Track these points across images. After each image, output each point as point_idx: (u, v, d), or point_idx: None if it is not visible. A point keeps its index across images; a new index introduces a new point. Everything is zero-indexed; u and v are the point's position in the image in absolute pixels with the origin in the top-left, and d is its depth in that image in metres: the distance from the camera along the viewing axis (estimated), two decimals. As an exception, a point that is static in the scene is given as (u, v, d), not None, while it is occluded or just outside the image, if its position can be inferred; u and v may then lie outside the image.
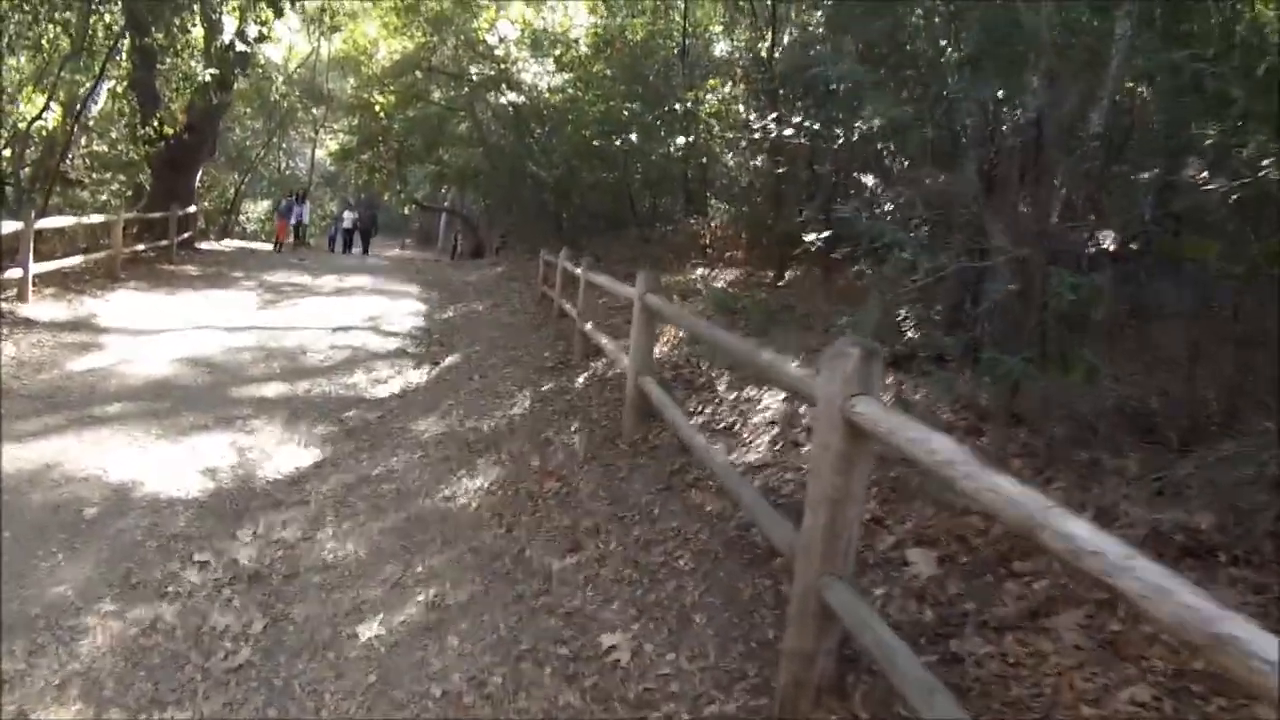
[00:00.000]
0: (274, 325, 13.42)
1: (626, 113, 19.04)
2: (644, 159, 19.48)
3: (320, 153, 44.44)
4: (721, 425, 6.79)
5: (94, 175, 24.25)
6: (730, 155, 19.17)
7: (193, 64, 20.68)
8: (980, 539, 4.36)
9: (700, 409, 7.29)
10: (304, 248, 32.26)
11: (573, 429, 8.06)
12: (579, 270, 11.81)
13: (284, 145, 42.33)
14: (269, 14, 20.33)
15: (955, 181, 5.29)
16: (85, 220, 16.75)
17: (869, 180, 9.85)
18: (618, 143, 18.69)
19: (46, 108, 18.97)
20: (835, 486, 3.22)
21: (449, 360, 12.15)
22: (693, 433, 5.62)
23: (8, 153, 18.44)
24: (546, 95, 25.69)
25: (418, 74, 29.55)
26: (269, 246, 29.71)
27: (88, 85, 20.19)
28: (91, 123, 23.42)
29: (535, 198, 24.97)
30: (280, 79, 32.65)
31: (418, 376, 11.12)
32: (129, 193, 23.80)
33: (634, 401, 7.18)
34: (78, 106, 20.62)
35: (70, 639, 4.25)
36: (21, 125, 18.48)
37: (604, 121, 19.55)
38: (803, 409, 6.53)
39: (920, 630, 3.75)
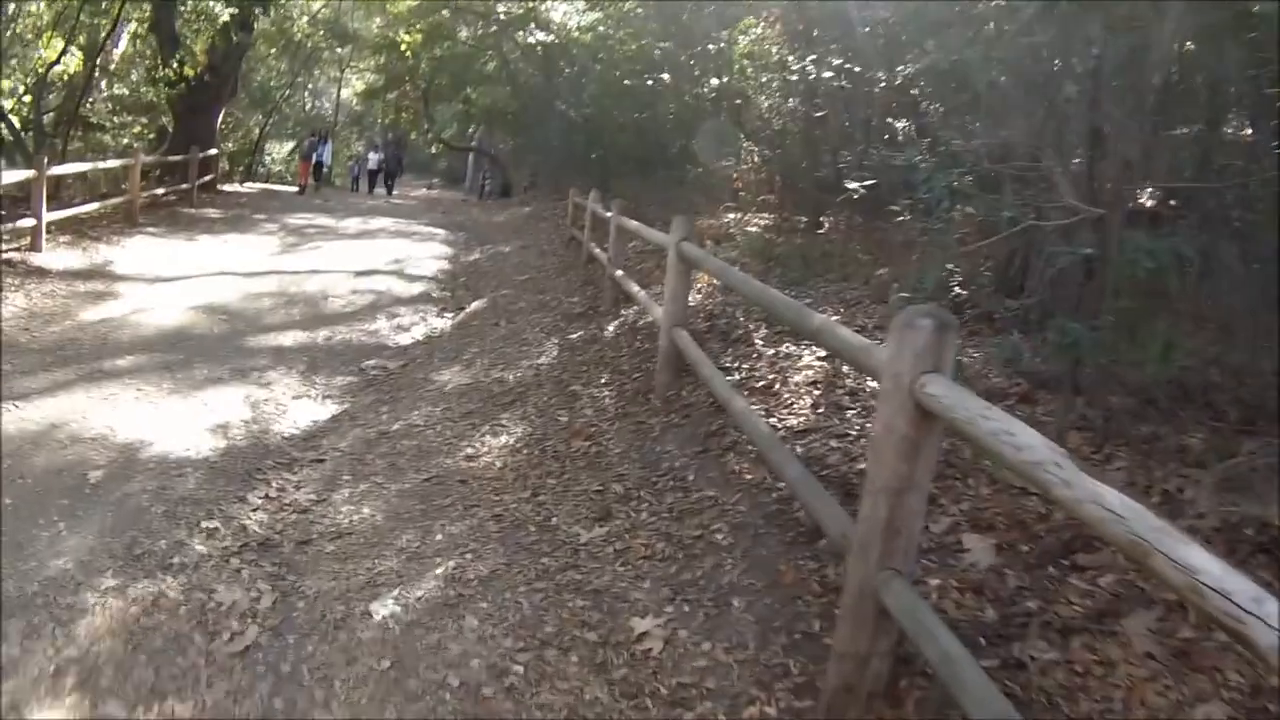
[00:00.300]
0: (295, 270, 13.16)
1: (659, 52, 18.55)
2: (676, 99, 18.99)
3: (346, 93, 44.13)
4: (760, 384, 6.42)
5: (115, 119, 23.95)
6: (764, 98, 18.68)
7: (212, 3, 20.27)
8: (1041, 525, 4.02)
9: (736, 365, 6.93)
10: (328, 188, 31.92)
11: (602, 382, 7.76)
12: (609, 214, 11.46)
13: (309, 85, 42.00)
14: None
15: (1021, 133, 4.88)
16: (101, 165, 16.45)
17: (906, 126, 9.40)
18: (649, 82, 18.23)
19: (65, 51, 18.70)
20: (899, 474, 2.89)
21: (474, 305, 11.88)
22: (731, 393, 5.27)
23: (28, 98, 18.20)
24: (576, 34, 25.14)
25: (444, 12, 28.98)
26: (293, 188, 29.30)
27: (107, 28, 19.86)
28: (113, 66, 23.11)
29: (564, 138, 24.47)
30: (304, 18, 32.06)
31: (442, 323, 10.87)
32: (152, 136, 23.48)
33: (667, 355, 6.84)
34: (98, 50, 20.30)
35: (69, 619, 3.98)
36: (40, 69, 18.21)
37: (635, 60, 19.08)
38: (845, 368, 6.19)
39: (980, 629, 3.42)
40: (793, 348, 6.91)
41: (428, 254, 16.10)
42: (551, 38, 25.37)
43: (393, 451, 6.47)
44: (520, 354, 9.14)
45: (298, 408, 7.32)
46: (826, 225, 12.25)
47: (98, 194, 15.99)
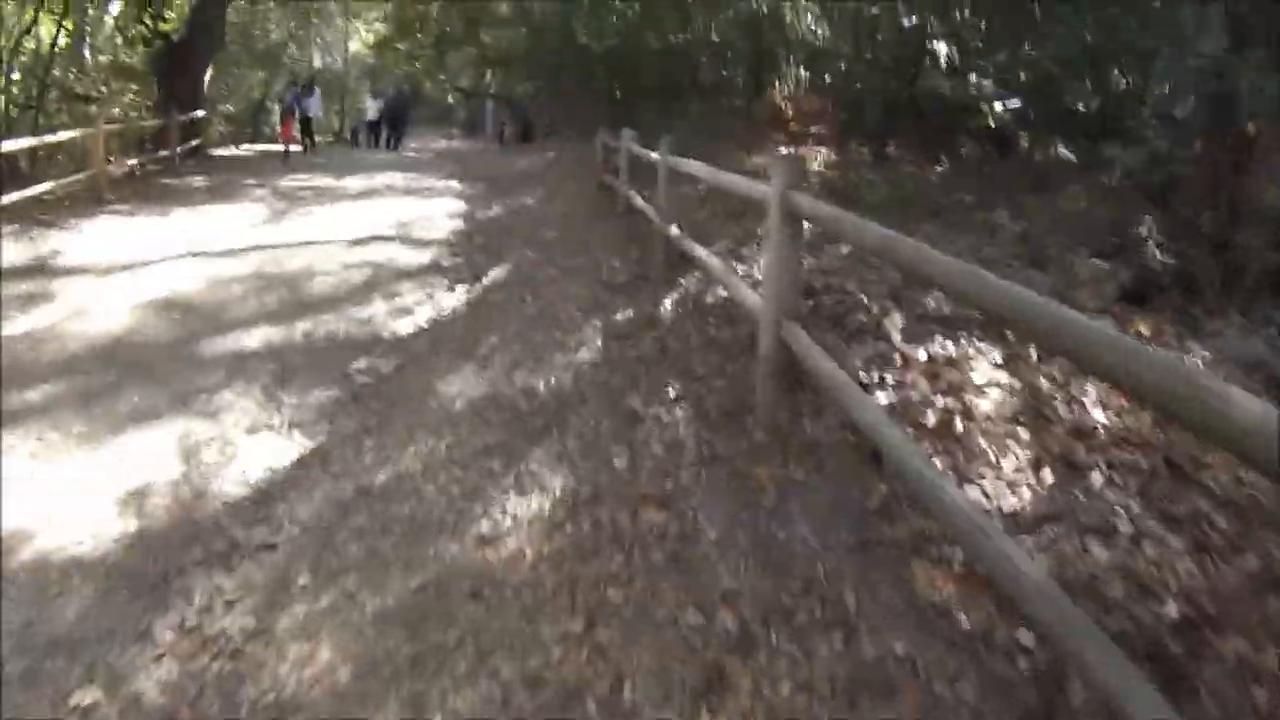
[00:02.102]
0: (280, 242, 10.98)
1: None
2: (715, 18, 16.80)
3: (355, 45, 41.96)
4: (926, 416, 4.18)
5: (103, 89, 21.89)
6: (811, 17, 16.53)
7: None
8: None
9: (870, 373, 4.72)
10: (325, 147, 29.09)
11: (671, 394, 5.60)
12: (656, 155, 9.27)
13: (317, 39, 39.71)
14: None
15: None
16: (50, 139, 14.37)
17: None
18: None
19: (35, 21, 17.36)
20: None
21: (493, 274, 9.71)
22: (936, 474, 3.05)
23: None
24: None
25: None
26: (296, 148, 26.20)
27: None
28: (93, 31, 21.24)
29: (585, 74, 22.21)
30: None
31: (453, 300, 8.69)
32: (149, 104, 21.34)
33: (774, 362, 4.63)
34: (66, 12, 18.27)
35: None
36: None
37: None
38: (1046, 378, 4.00)
39: None
40: (950, 345, 4.71)
41: (439, 212, 13.92)
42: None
43: (374, 527, 4.33)
44: (553, 345, 6.99)
45: (251, 448, 5.21)
46: (892, 154, 10.18)
47: (68, 170, 13.93)
